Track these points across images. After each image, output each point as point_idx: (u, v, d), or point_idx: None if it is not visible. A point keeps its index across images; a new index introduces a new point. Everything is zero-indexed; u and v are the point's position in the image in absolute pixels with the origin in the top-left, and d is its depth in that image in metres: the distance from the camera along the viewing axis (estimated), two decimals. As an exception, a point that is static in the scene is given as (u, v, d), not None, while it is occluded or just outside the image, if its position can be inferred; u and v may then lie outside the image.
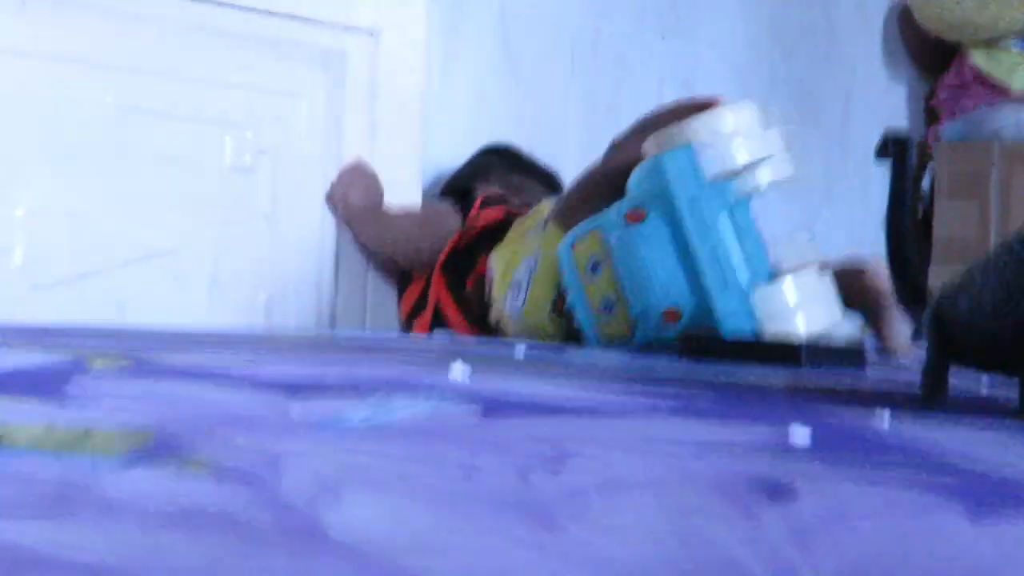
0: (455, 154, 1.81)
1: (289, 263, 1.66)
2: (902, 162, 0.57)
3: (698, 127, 1.17)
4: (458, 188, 1.73)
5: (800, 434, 0.44)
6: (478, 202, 1.58)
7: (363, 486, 0.33)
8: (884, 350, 1.22)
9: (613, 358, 1.03)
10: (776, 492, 0.34)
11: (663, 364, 0.96)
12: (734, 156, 1.17)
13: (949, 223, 2.37)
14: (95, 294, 1.45)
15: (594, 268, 1.15)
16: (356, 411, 0.46)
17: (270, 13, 1.61)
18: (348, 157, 1.71)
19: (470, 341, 1.25)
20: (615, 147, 1.27)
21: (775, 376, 0.83)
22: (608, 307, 1.15)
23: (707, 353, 1.04)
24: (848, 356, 1.03)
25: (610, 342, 1.15)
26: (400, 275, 1.67)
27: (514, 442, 0.41)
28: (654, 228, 1.12)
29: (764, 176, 1.23)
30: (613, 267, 1.14)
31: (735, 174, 1.18)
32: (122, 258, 1.48)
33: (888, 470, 0.40)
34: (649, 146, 1.21)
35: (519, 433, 0.43)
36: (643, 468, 0.36)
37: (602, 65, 2.10)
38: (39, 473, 0.34)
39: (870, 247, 2.76)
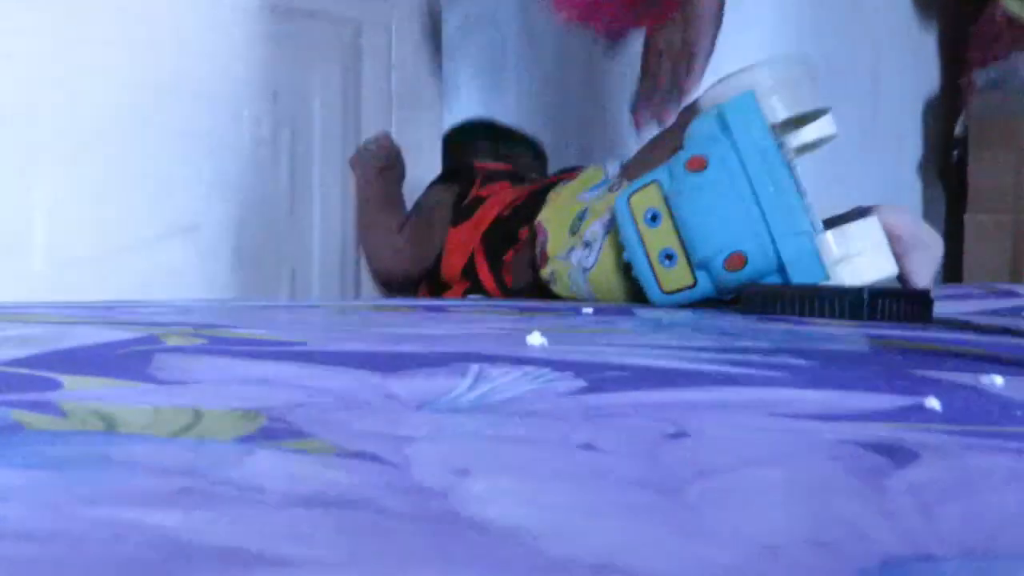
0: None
1: (312, 234, 1.64)
2: None
3: (758, 76, 1.13)
4: (453, 168, 1.70)
5: (930, 404, 0.44)
6: (479, 178, 1.54)
7: (494, 470, 0.33)
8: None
9: (680, 315, 0.99)
10: (903, 463, 0.34)
11: (736, 322, 0.92)
12: (793, 105, 1.14)
13: (983, 171, 2.34)
14: (118, 273, 1.42)
15: (653, 219, 1.11)
16: (459, 391, 0.45)
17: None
18: (366, 128, 1.69)
19: (523, 302, 1.21)
20: (688, 109, 1.24)
21: (857, 335, 0.80)
22: (669, 258, 1.11)
23: (769, 306, 1.00)
24: (915, 308, 0.99)
25: (671, 295, 1.11)
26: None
27: (631, 419, 0.41)
28: (716, 175, 1.07)
29: (816, 130, 1.20)
30: (673, 217, 1.11)
31: (793, 124, 1.15)
32: (144, 236, 1.45)
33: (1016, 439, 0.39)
34: (708, 98, 1.18)
35: (633, 409, 0.43)
36: (769, 444, 0.37)
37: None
38: (165, 460, 0.33)
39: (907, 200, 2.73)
